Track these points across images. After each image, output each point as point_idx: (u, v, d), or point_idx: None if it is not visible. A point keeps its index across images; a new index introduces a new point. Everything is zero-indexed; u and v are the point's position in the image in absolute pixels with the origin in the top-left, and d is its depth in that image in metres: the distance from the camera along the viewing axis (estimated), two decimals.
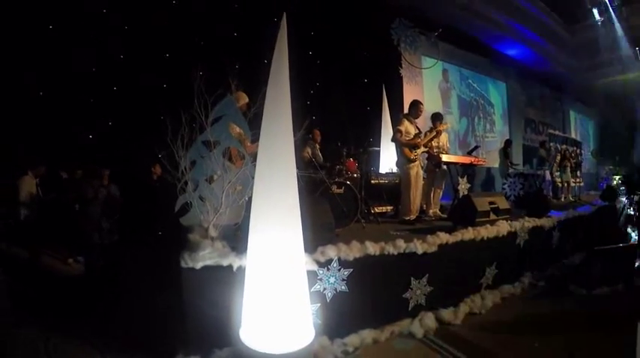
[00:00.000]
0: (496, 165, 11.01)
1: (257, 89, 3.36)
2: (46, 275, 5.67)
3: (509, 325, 4.46)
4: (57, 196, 6.22)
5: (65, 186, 6.46)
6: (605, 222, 8.48)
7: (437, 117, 6.66)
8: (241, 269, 3.15)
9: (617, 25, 13.06)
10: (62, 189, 6.31)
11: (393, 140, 6.16)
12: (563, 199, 10.60)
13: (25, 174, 5.97)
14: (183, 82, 4.07)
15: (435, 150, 6.44)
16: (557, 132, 12.45)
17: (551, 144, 11.00)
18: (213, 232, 3.52)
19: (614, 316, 4.55)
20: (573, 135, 16.95)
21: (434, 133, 6.30)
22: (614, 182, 13.52)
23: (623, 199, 10.56)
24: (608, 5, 12.36)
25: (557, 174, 11.00)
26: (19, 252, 5.72)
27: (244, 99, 4.38)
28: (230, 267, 3.24)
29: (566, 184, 10.99)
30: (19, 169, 6.02)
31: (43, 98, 6.92)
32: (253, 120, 3.64)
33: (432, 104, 11.44)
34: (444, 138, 6.72)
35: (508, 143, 10.93)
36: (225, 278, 3.23)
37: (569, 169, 11.02)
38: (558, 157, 11.11)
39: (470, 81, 13.91)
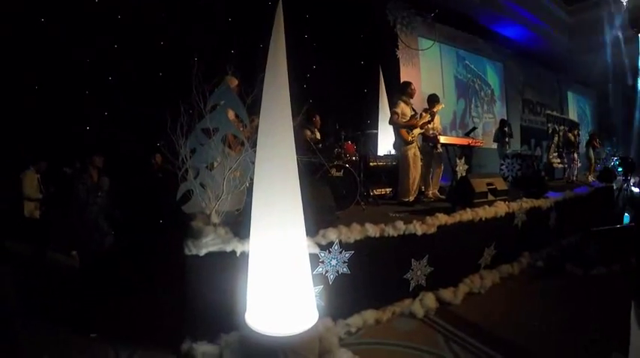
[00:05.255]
0: (494, 146, 11.03)
1: (254, 74, 3.36)
2: (50, 269, 5.71)
3: (508, 304, 4.54)
4: (57, 191, 6.22)
5: (66, 181, 6.43)
6: (602, 203, 8.56)
7: (434, 99, 6.64)
8: (244, 255, 3.20)
9: (616, 6, 12.97)
10: (63, 185, 6.29)
11: (390, 123, 6.16)
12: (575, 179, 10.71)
13: (27, 169, 5.98)
14: (180, 71, 4.07)
15: (430, 132, 6.44)
16: (555, 113, 12.46)
17: (549, 125, 11.04)
18: (215, 219, 3.56)
19: (610, 295, 4.62)
20: (571, 116, 16.96)
21: (428, 117, 6.29)
22: (612, 163, 13.58)
23: (621, 180, 10.63)
24: None
25: (555, 155, 11.06)
26: (24, 247, 5.76)
27: (234, 82, 4.35)
28: (233, 252, 3.28)
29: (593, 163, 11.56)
30: (21, 164, 6.03)
31: (40, 92, 6.87)
32: (252, 106, 3.65)
33: (429, 86, 11.37)
34: (436, 120, 6.71)
35: (503, 123, 10.96)
36: (229, 264, 3.28)
37: (592, 151, 11.34)
38: (556, 138, 11.16)
39: (467, 62, 13.83)
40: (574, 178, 10.53)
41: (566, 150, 10.97)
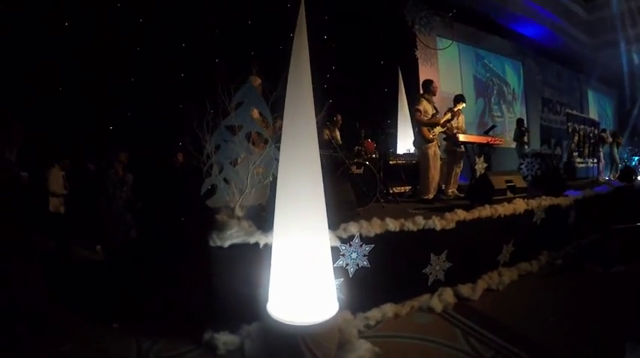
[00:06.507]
0: (513, 145, 10.99)
1: (276, 73, 3.45)
2: (76, 263, 5.91)
3: (526, 301, 4.53)
4: (81, 186, 6.42)
5: (91, 177, 6.61)
6: (622, 202, 8.45)
7: (459, 99, 6.68)
8: (267, 247, 3.29)
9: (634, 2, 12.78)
10: (87, 182, 6.47)
11: (414, 119, 6.22)
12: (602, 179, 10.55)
13: (52, 167, 6.18)
14: (205, 71, 4.19)
15: (454, 131, 6.47)
16: (575, 112, 12.32)
17: (569, 124, 10.91)
18: (239, 212, 3.66)
19: (629, 292, 4.61)
20: (591, 115, 16.71)
21: (449, 115, 6.33)
22: (633, 163, 13.38)
23: None
24: None
25: (576, 154, 10.93)
26: (49, 243, 5.96)
27: (257, 80, 4.47)
28: (257, 244, 3.37)
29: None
30: (46, 162, 6.23)
31: (64, 90, 7.07)
32: (274, 104, 3.75)
33: (447, 85, 11.39)
34: (460, 119, 6.75)
35: (520, 122, 10.92)
36: (253, 256, 3.37)
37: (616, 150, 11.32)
38: (576, 137, 11.03)
39: (485, 61, 13.78)
40: (600, 177, 10.42)
41: (594, 150, 10.87)
